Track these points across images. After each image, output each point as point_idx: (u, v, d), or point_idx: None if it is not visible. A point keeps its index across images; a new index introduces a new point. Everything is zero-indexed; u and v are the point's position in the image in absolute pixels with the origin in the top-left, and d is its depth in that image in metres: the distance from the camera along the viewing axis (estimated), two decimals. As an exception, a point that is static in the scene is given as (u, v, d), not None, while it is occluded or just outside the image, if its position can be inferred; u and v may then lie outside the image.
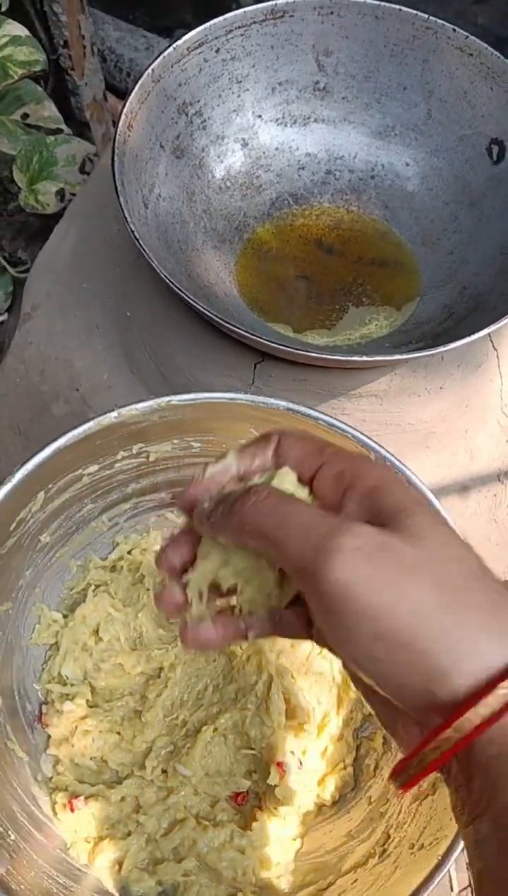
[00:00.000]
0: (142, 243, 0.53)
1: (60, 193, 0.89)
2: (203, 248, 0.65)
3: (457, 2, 1.06)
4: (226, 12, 1.10)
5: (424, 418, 0.62)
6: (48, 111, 0.93)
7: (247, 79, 0.66)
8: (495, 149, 0.64)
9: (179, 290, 0.52)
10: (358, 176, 0.70)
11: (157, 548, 0.55)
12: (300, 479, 0.29)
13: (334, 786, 0.50)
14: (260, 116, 0.68)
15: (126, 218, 0.54)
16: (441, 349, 0.52)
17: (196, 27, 1.16)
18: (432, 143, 0.67)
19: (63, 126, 0.95)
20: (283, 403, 0.44)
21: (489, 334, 0.56)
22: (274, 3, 0.63)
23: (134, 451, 0.50)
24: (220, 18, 0.62)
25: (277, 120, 0.69)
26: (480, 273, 0.62)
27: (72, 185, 0.89)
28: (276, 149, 0.69)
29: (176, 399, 0.45)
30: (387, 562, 0.24)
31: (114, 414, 0.45)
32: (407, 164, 0.69)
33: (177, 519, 0.57)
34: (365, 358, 0.51)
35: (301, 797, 0.47)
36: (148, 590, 0.53)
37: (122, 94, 1.10)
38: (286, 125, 0.69)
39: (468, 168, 0.66)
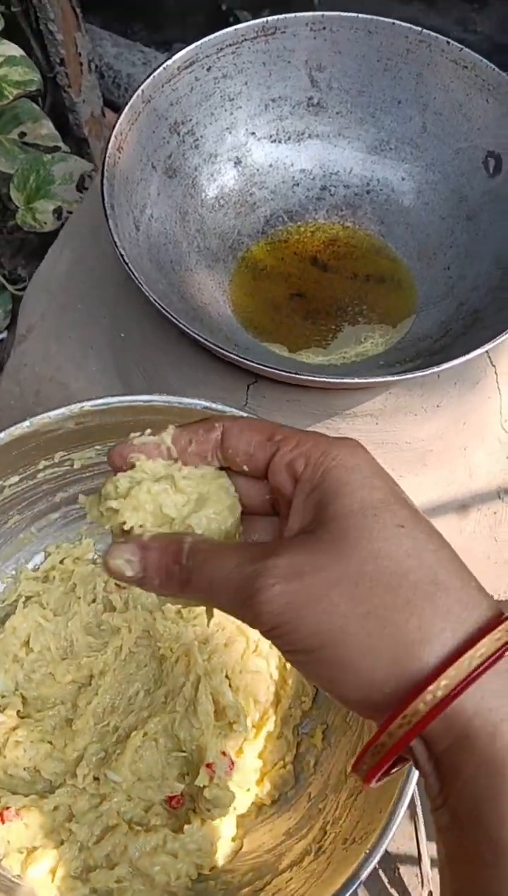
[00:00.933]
0: (131, 267, 0.53)
1: (58, 212, 0.89)
2: (196, 268, 0.64)
3: (457, 9, 1.05)
4: (225, 26, 1.10)
5: (421, 437, 0.61)
6: (45, 129, 0.93)
7: (240, 96, 0.65)
8: (491, 162, 0.63)
9: (170, 314, 0.51)
10: (353, 191, 0.69)
11: (91, 556, 0.55)
12: (246, 474, 0.29)
13: (273, 785, 0.50)
14: (253, 134, 0.67)
15: (115, 242, 0.53)
16: (437, 369, 0.51)
17: (194, 41, 1.16)
18: (428, 157, 0.66)
19: (60, 144, 0.95)
20: (202, 403, 0.44)
21: (486, 351, 0.55)
22: (264, 20, 0.63)
23: (56, 460, 0.50)
24: (211, 36, 0.62)
25: (271, 137, 0.68)
26: (477, 288, 0.61)
27: (69, 203, 0.89)
28: (270, 166, 0.68)
29: (88, 405, 0.45)
30: (306, 585, 0.24)
31: (26, 423, 0.45)
32: (403, 179, 0.68)
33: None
34: (357, 380, 0.50)
35: (236, 798, 0.47)
36: (79, 598, 0.54)
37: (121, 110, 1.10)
38: (280, 142, 0.68)
39: (464, 181, 0.65)
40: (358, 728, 0.48)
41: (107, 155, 0.57)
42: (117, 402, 0.46)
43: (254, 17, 1.08)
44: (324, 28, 0.64)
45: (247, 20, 1.08)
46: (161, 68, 0.60)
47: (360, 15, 0.63)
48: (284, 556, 0.25)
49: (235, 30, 0.62)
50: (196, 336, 0.51)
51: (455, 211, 0.65)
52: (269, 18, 0.63)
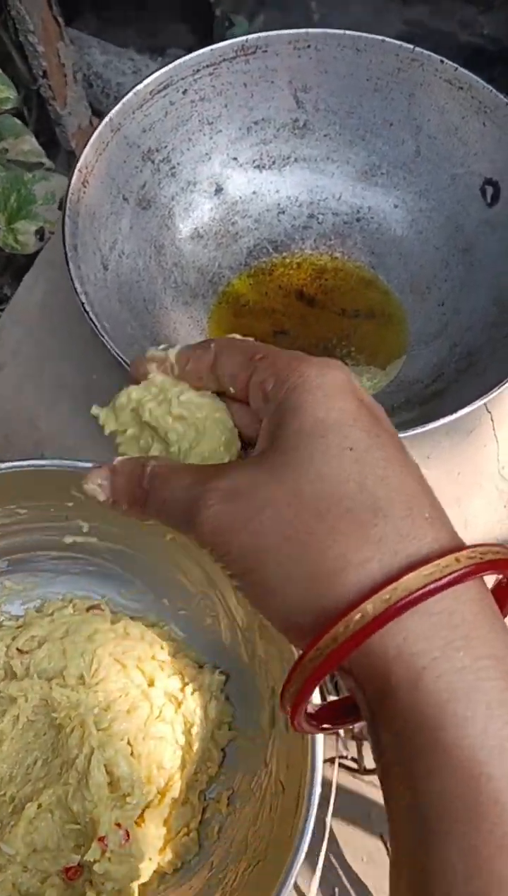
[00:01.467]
0: (94, 318, 0.49)
1: (40, 232, 0.85)
2: (172, 306, 0.60)
3: (462, 11, 1.00)
4: (220, 31, 1.05)
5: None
6: (28, 145, 0.90)
7: (219, 119, 0.61)
8: (489, 189, 0.59)
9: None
10: (342, 219, 0.64)
11: None
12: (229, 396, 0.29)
13: (175, 853, 0.48)
14: (235, 159, 0.63)
15: (76, 290, 0.49)
16: (431, 425, 0.47)
17: (188, 46, 1.11)
18: (421, 183, 0.62)
19: (44, 160, 0.91)
20: (89, 465, 0.42)
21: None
22: (244, 38, 0.58)
23: None
24: (186, 58, 0.57)
25: (254, 162, 0.64)
26: (472, 327, 0.57)
27: (51, 224, 0.85)
28: (254, 192, 0.64)
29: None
30: (240, 506, 0.24)
31: None
32: (395, 206, 0.63)
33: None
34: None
35: (132, 869, 0.46)
36: None
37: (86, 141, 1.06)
38: (264, 167, 0.64)
39: (460, 210, 0.60)
40: (261, 794, 0.47)
41: (70, 191, 0.53)
42: (6, 468, 0.45)
43: (250, 22, 1.04)
44: (309, 46, 0.59)
45: (243, 25, 1.04)
46: (131, 93, 0.56)
47: (347, 32, 0.58)
48: (227, 477, 0.24)
49: (211, 50, 0.58)
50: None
51: (450, 241, 0.61)
52: (249, 37, 0.58)
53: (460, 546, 0.22)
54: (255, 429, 0.28)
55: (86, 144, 0.88)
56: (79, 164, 0.54)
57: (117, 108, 0.56)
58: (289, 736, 0.44)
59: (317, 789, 0.40)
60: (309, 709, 0.26)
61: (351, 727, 0.70)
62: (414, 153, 0.61)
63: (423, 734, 0.21)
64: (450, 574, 0.21)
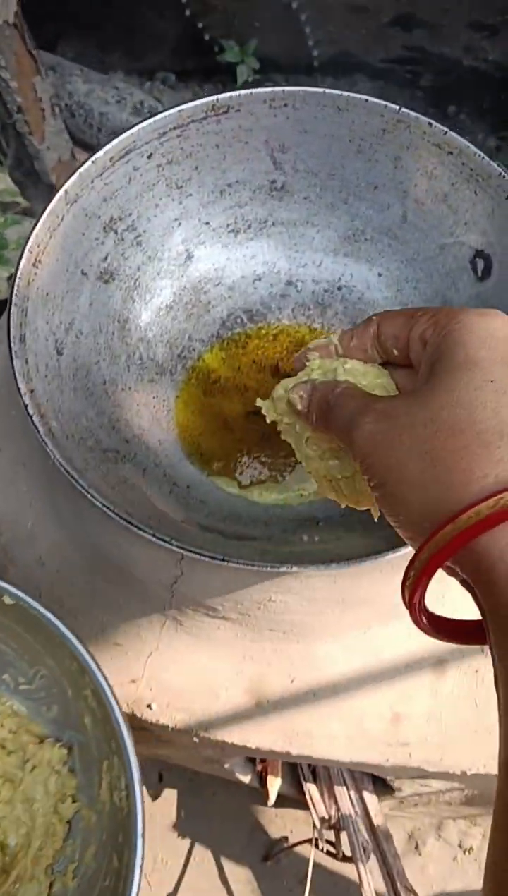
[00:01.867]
0: (37, 423, 0.45)
1: (12, 278, 0.81)
2: (137, 386, 0.56)
3: (465, 35, 0.94)
4: (209, 56, 1.00)
5: (388, 592, 0.52)
6: (2, 184, 0.86)
7: (190, 183, 0.56)
8: (480, 263, 0.54)
9: (79, 483, 0.43)
10: (322, 287, 0.60)
11: None
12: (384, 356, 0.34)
13: None
14: (207, 223, 0.59)
15: (19, 390, 0.45)
16: (400, 552, 0.43)
17: (177, 70, 1.06)
18: (408, 251, 0.57)
19: (20, 199, 0.87)
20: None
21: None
22: (214, 98, 0.53)
23: None
24: (150, 121, 0.53)
25: (228, 226, 0.59)
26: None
27: (25, 270, 0.81)
28: (228, 258, 0.60)
29: None
30: (388, 426, 0.28)
31: None
32: (380, 275, 0.59)
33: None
34: (296, 569, 0.42)
35: None
36: None
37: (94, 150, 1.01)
38: (239, 231, 0.59)
39: (449, 283, 0.56)
40: (106, 863, 0.47)
41: (18, 275, 0.49)
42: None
43: (241, 47, 0.98)
44: (286, 105, 0.54)
45: (233, 50, 0.99)
46: (88, 162, 0.52)
47: (327, 91, 0.53)
48: (384, 402, 0.29)
49: (178, 111, 0.53)
50: (109, 513, 0.43)
51: (437, 317, 0.56)
52: (220, 97, 0.53)
53: None
54: None
55: (69, 175, 0.84)
56: (29, 245, 0.49)
57: (73, 179, 0.51)
58: (121, 805, 0.46)
59: (138, 860, 0.42)
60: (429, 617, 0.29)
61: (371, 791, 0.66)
62: (401, 219, 0.57)
63: None
64: None
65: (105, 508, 0.43)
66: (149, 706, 0.55)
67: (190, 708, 0.54)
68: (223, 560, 0.41)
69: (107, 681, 0.48)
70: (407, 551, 0.42)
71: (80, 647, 0.48)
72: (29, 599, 0.49)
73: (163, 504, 0.50)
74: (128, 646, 0.56)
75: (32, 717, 0.55)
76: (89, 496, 0.43)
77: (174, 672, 0.55)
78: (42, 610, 0.49)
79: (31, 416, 0.45)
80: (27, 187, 1.00)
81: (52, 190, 0.98)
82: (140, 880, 0.42)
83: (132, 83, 1.04)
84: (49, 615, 0.49)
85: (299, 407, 0.34)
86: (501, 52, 0.94)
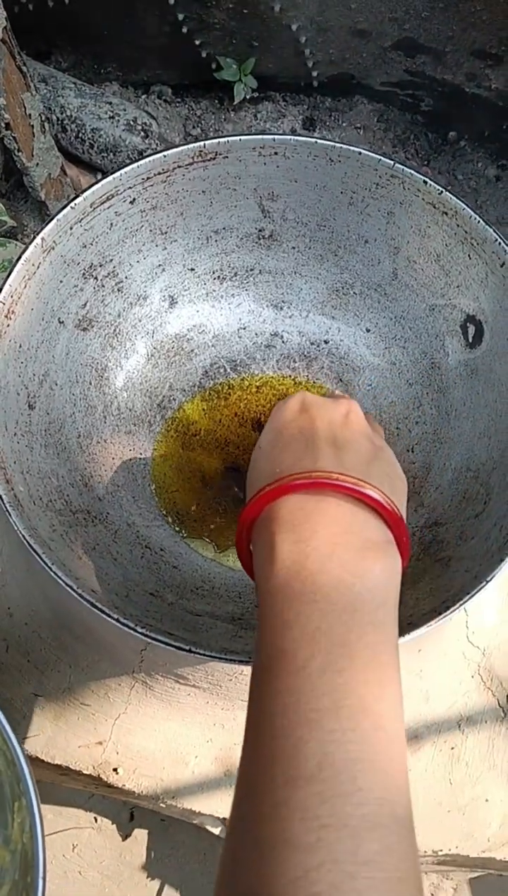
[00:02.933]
0: (1, 490, 0.43)
1: (-5, 303, 0.79)
2: (113, 437, 0.54)
3: (468, 63, 0.92)
4: (207, 73, 0.97)
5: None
6: (-12, 202, 0.83)
7: (174, 229, 0.54)
8: (471, 329, 0.52)
9: (46, 564, 0.41)
10: (309, 340, 0.58)
11: None
12: None
13: None
14: (192, 270, 0.56)
15: (-16, 454, 0.43)
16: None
17: (173, 83, 1.03)
18: (398, 309, 0.55)
19: (6, 218, 0.84)
20: None
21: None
22: (201, 144, 0.51)
23: None
24: (133, 166, 0.50)
25: (213, 273, 0.57)
26: (441, 488, 0.51)
27: (7, 295, 0.79)
28: (212, 306, 0.58)
29: None
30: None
31: None
32: (368, 330, 0.57)
33: None
34: (266, 660, 0.40)
35: None
36: None
37: (86, 165, 0.99)
38: (225, 279, 0.57)
39: (438, 345, 0.54)
40: None
41: (-10, 329, 0.46)
42: None
43: (239, 66, 0.96)
44: (276, 153, 0.52)
45: (231, 68, 0.96)
46: (67, 208, 0.49)
47: (319, 141, 0.51)
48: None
49: (164, 157, 0.51)
50: (73, 593, 0.41)
51: (425, 378, 0.54)
52: (207, 143, 0.51)
53: (330, 471, 0.34)
54: None
55: (59, 191, 0.80)
56: (1, 295, 0.47)
57: (50, 226, 0.49)
58: (27, 847, 0.46)
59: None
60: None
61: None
62: (391, 275, 0.55)
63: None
64: (291, 482, 0.34)
65: (69, 588, 0.41)
66: (115, 770, 0.53)
67: (157, 774, 0.53)
68: (189, 651, 0.39)
69: (7, 723, 0.46)
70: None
71: None
72: None
73: (134, 572, 0.48)
74: (95, 706, 0.54)
75: None
76: (53, 574, 0.41)
77: (142, 736, 0.53)
78: None
79: (-5, 484, 0.43)
80: (16, 203, 0.97)
81: (42, 206, 0.95)
82: None
83: (127, 96, 1.01)
84: None
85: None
86: (504, 80, 0.92)
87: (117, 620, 0.40)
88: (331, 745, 0.26)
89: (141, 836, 0.81)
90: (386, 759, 0.27)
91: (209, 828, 0.68)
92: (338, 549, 0.31)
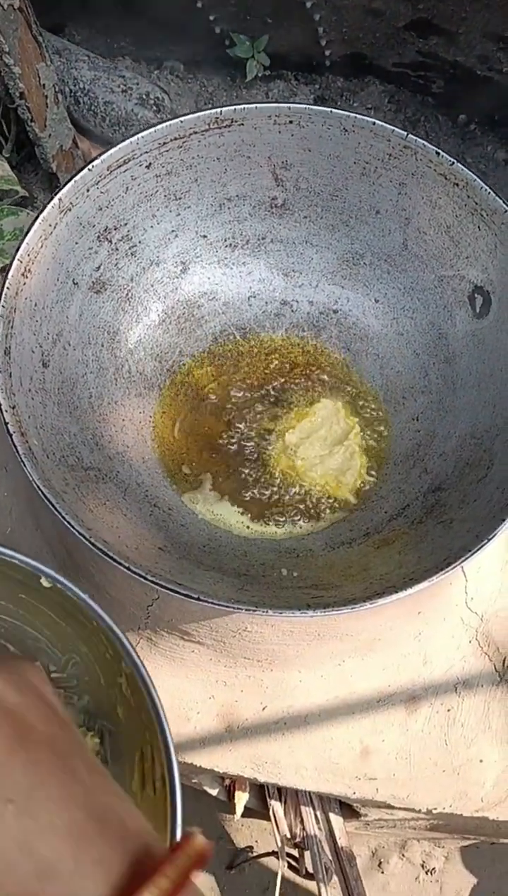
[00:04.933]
0: (17, 441, 0.44)
1: (6, 269, 0.80)
2: (123, 400, 0.55)
3: (480, 45, 0.92)
4: (220, 49, 0.97)
5: (365, 628, 0.52)
6: (1, 171, 0.83)
7: (188, 195, 0.55)
8: (478, 299, 0.53)
9: (60, 513, 0.42)
10: (318, 309, 0.59)
11: None
12: None
13: None
14: (204, 237, 0.57)
15: (0, 406, 0.44)
16: (384, 601, 0.42)
17: (186, 59, 1.04)
18: (406, 280, 0.56)
19: (18, 188, 0.85)
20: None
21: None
22: (218, 110, 0.52)
23: None
24: (150, 130, 0.51)
25: (225, 241, 0.58)
26: (445, 455, 0.52)
27: (18, 263, 0.79)
28: (223, 273, 0.58)
29: None
30: None
31: None
32: (377, 301, 0.58)
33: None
34: (272, 613, 0.41)
35: None
36: None
37: (97, 139, 0.99)
38: (236, 246, 0.58)
39: (446, 316, 0.55)
40: None
41: (7, 285, 0.47)
42: None
43: (252, 43, 0.96)
44: (291, 122, 0.53)
45: (244, 45, 0.96)
46: (85, 170, 0.50)
47: (334, 110, 0.52)
48: None
49: (180, 122, 0.52)
50: (85, 541, 0.42)
51: (431, 348, 0.55)
52: (224, 109, 0.52)
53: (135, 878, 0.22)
54: None
55: (70, 163, 0.81)
56: (19, 253, 0.48)
57: (68, 186, 0.50)
58: (156, 798, 0.43)
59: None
60: None
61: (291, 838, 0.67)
62: (401, 246, 0.56)
63: None
64: None
65: (81, 536, 0.42)
66: (118, 724, 0.55)
67: (159, 729, 0.54)
68: (197, 599, 0.41)
69: (144, 666, 0.45)
70: (386, 601, 0.41)
71: (118, 632, 0.44)
72: (67, 583, 0.46)
73: (143, 527, 0.49)
74: (100, 662, 0.55)
75: (64, 707, 0.53)
76: (66, 523, 0.42)
77: (145, 692, 0.54)
78: (81, 594, 0.46)
79: (11, 435, 0.44)
80: (26, 174, 0.98)
81: (52, 178, 0.95)
82: None
83: (139, 71, 1.02)
84: (87, 598, 0.46)
85: None
86: (516, 65, 0.92)
87: (128, 569, 0.41)
88: None
89: (139, 799, 0.82)
90: None
91: (207, 788, 0.70)
92: None
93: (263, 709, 0.53)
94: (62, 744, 0.25)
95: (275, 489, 0.54)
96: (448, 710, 0.55)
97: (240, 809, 0.70)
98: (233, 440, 0.56)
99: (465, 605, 0.56)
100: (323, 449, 0.54)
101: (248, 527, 0.52)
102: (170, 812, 0.40)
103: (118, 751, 0.50)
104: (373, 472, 0.54)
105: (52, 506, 0.42)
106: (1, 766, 0.23)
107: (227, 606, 0.40)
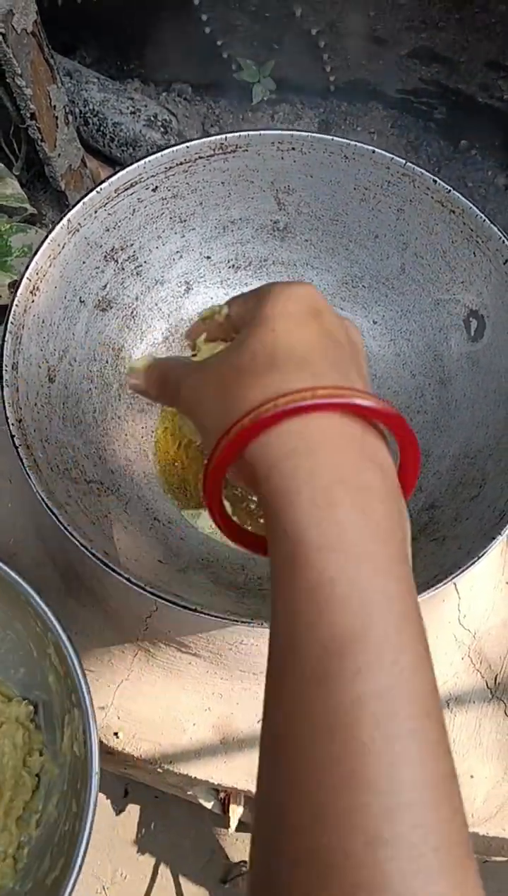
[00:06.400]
0: (22, 454, 0.45)
1: (14, 286, 0.81)
2: (126, 415, 0.56)
3: (482, 74, 0.94)
4: (226, 73, 1.00)
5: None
6: (10, 188, 0.85)
7: (193, 217, 0.57)
8: (473, 323, 0.54)
9: (63, 525, 0.43)
10: (318, 329, 0.60)
11: None
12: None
13: None
14: (208, 258, 0.59)
15: (7, 419, 0.46)
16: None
17: (193, 83, 1.06)
18: (404, 303, 0.58)
19: (27, 205, 0.87)
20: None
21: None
22: (223, 136, 0.54)
23: None
24: (157, 155, 0.53)
25: (228, 262, 0.59)
26: (440, 474, 0.53)
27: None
28: (226, 294, 0.60)
29: None
30: (200, 378, 0.32)
31: None
32: (374, 322, 0.59)
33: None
34: (268, 625, 0.42)
35: None
36: None
37: (105, 159, 1.01)
38: (239, 268, 0.60)
39: (441, 338, 0.56)
40: (66, 815, 0.51)
41: (16, 302, 0.49)
42: None
43: (258, 67, 0.99)
44: (293, 149, 0.54)
45: (251, 70, 0.99)
46: (93, 192, 0.52)
47: (335, 138, 0.54)
48: (201, 362, 0.33)
49: (187, 147, 0.53)
50: (87, 553, 0.43)
51: (427, 370, 0.57)
52: (228, 136, 0.54)
53: (329, 386, 0.27)
54: None
55: (79, 182, 0.83)
56: (28, 272, 0.50)
57: (77, 208, 0.51)
58: (79, 757, 0.50)
59: (92, 797, 0.47)
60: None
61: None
62: (399, 270, 0.57)
63: (271, 512, 0.27)
64: (300, 402, 0.27)
65: (82, 548, 0.43)
66: (116, 734, 0.55)
67: (156, 740, 0.55)
68: (196, 611, 0.42)
69: (68, 636, 0.50)
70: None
71: (42, 604, 0.51)
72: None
73: (144, 540, 0.50)
74: (99, 672, 0.56)
75: (1, 680, 0.57)
76: (68, 533, 0.43)
77: (143, 703, 0.55)
78: (10, 572, 0.51)
79: (17, 448, 0.45)
80: (35, 193, 1.00)
81: (61, 196, 0.98)
82: (93, 816, 0.47)
83: (148, 93, 1.04)
84: (13, 574, 0.51)
85: (140, 384, 0.38)
86: (517, 93, 0.95)
87: (128, 580, 0.42)
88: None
89: (134, 811, 0.83)
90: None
91: (202, 801, 0.70)
92: (367, 496, 0.26)
93: (258, 721, 0.54)
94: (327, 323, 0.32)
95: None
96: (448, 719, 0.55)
97: (234, 823, 0.70)
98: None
99: (458, 623, 0.57)
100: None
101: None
102: (88, 769, 0.47)
103: (50, 717, 0.56)
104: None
105: (55, 517, 0.43)
106: (279, 317, 0.31)
107: (225, 618, 0.41)
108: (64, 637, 0.50)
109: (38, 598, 0.51)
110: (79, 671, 0.49)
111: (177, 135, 0.97)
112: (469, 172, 1.03)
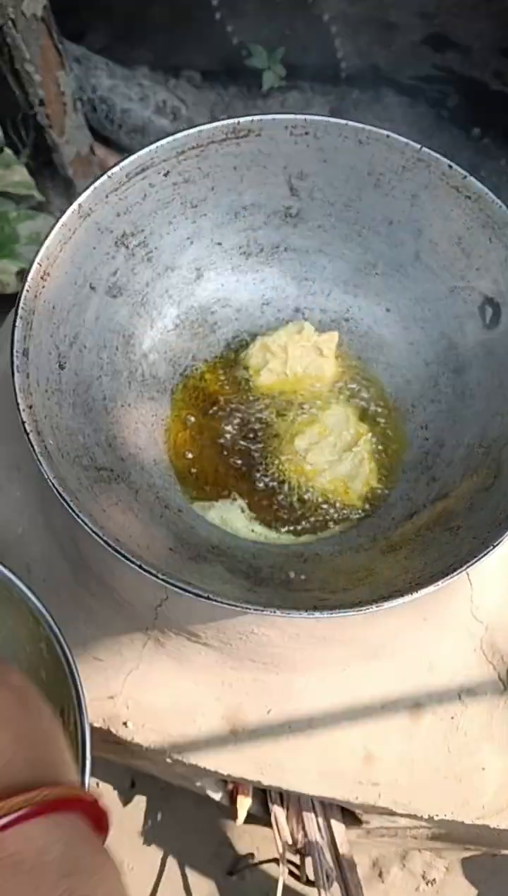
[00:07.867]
0: (33, 440, 0.44)
1: (22, 273, 0.81)
2: (136, 403, 0.56)
3: (496, 61, 0.93)
4: (236, 60, 0.99)
5: (368, 635, 0.52)
6: (18, 176, 0.85)
7: (205, 203, 0.56)
8: (489, 310, 0.54)
9: (73, 511, 0.43)
10: (330, 317, 0.60)
11: None
12: None
13: None
14: (219, 244, 0.58)
15: (18, 405, 0.45)
16: (396, 601, 0.42)
17: (203, 69, 1.05)
18: (418, 290, 0.57)
19: (34, 192, 0.86)
20: None
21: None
22: (235, 120, 0.53)
23: None
24: (169, 139, 0.52)
25: (240, 248, 0.59)
26: (453, 464, 0.52)
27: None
28: (237, 281, 0.59)
29: None
30: None
31: None
32: (388, 310, 0.58)
33: None
34: (279, 613, 0.42)
35: None
36: None
37: (114, 146, 1.01)
38: (250, 254, 0.59)
39: (456, 326, 0.55)
40: None
41: (26, 287, 0.48)
42: None
43: (268, 54, 0.97)
44: (307, 133, 0.54)
45: (261, 56, 0.98)
46: (104, 177, 0.51)
47: (349, 123, 0.53)
48: None
49: (198, 132, 0.53)
50: (99, 539, 0.43)
51: (442, 358, 0.56)
52: (241, 119, 0.53)
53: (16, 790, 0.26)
54: None
55: (87, 169, 0.82)
56: (38, 257, 0.49)
57: (88, 192, 0.51)
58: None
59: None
60: None
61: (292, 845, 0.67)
62: (413, 257, 0.56)
63: None
64: None
65: (94, 534, 0.42)
66: (125, 724, 0.55)
67: (165, 730, 0.54)
68: (207, 598, 0.41)
69: (59, 627, 0.49)
70: (391, 604, 0.42)
71: (34, 599, 0.49)
72: None
73: (154, 528, 0.50)
74: (108, 662, 0.56)
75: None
76: (80, 521, 0.43)
77: (152, 692, 0.55)
78: (3, 570, 0.49)
79: (27, 434, 0.45)
80: (43, 180, 0.99)
81: (69, 184, 0.97)
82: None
83: (157, 80, 1.03)
84: (8, 573, 0.49)
85: None
86: (531, 80, 0.94)
87: (140, 567, 0.42)
88: None
89: (141, 802, 0.83)
90: None
91: (210, 793, 0.70)
92: None
93: (268, 712, 0.54)
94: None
95: (284, 495, 0.54)
96: (452, 718, 0.55)
97: (242, 815, 0.70)
98: (243, 445, 0.56)
99: (471, 615, 0.56)
100: (332, 455, 0.55)
101: (255, 531, 0.53)
102: (80, 763, 0.45)
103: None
104: (382, 479, 0.55)
105: (67, 504, 0.43)
106: None
107: (236, 606, 0.41)
108: (56, 630, 0.48)
109: (27, 591, 0.49)
110: (73, 666, 0.48)
111: (186, 121, 0.96)
112: (482, 161, 1.02)
